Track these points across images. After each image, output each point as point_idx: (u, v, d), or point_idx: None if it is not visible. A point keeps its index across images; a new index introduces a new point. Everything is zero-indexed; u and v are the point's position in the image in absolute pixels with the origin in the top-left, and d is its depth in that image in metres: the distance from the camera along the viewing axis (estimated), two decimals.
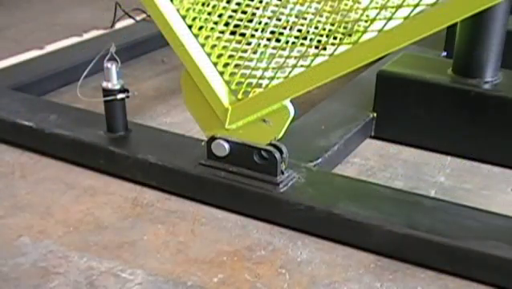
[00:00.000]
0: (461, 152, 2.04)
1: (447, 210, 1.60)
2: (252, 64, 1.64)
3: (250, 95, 1.64)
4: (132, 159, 1.84)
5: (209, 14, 1.71)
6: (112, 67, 1.84)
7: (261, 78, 1.62)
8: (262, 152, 1.66)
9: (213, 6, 1.71)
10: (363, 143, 2.13)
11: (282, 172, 1.67)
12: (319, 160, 1.85)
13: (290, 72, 1.58)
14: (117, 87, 1.86)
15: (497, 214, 1.60)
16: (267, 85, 1.61)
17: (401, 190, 1.78)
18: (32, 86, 2.41)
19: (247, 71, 1.64)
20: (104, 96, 1.88)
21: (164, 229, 1.67)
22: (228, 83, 1.67)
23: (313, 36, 1.63)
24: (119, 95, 1.87)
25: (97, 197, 1.81)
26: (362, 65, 1.50)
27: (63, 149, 1.98)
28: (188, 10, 1.70)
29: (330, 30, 1.66)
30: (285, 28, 1.66)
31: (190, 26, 1.69)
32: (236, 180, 1.70)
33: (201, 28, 1.69)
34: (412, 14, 1.39)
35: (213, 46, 1.68)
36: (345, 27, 1.60)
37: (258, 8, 1.70)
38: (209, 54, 1.68)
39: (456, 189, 1.88)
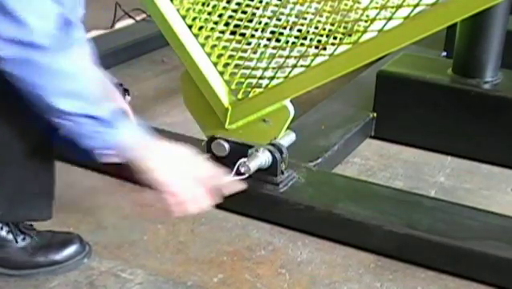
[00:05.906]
0: (461, 152, 2.04)
1: (447, 210, 1.60)
2: (252, 64, 1.64)
3: (250, 95, 1.64)
4: None
5: (209, 14, 1.71)
6: None
7: (261, 78, 1.62)
8: None
9: (213, 6, 1.71)
10: (363, 143, 2.13)
11: (282, 172, 1.67)
12: (319, 160, 1.84)
13: (290, 72, 1.58)
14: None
15: (497, 214, 1.60)
16: (267, 85, 1.61)
17: (401, 190, 1.78)
18: None
19: (247, 71, 1.64)
20: None
21: (164, 229, 1.67)
22: (228, 83, 1.67)
23: (313, 36, 1.63)
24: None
25: (97, 197, 1.81)
26: (362, 65, 1.50)
27: (63, 150, 1.97)
28: (188, 10, 1.70)
29: (330, 30, 1.66)
30: (285, 28, 1.66)
31: (190, 26, 1.69)
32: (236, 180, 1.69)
33: (201, 28, 1.69)
34: (412, 14, 1.39)
35: (213, 46, 1.68)
36: (345, 27, 1.60)
37: (258, 8, 1.71)
38: (209, 54, 1.68)
39: (456, 189, 1.88)
